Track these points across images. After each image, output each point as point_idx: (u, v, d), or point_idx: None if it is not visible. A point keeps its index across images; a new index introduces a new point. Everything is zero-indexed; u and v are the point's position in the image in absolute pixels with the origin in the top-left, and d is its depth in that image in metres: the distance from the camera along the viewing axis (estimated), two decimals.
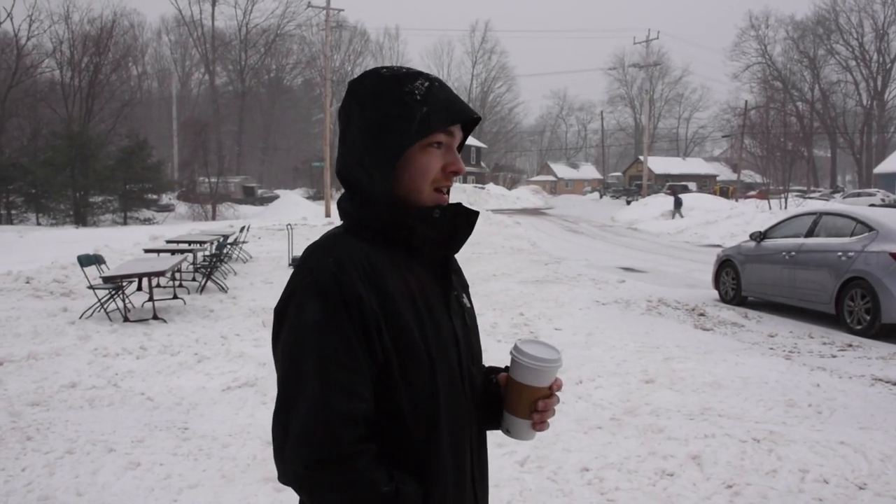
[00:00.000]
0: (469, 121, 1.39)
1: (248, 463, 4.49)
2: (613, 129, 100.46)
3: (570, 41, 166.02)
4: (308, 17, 71.76)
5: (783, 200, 31.81)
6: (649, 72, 62.72)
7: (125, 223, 38.00)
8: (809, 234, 10.39)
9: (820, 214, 10.68)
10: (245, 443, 4.84)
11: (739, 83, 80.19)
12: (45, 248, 17.69)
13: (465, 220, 1.40)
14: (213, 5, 78.36)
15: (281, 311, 1.28)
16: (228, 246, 14.81)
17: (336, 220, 30.79)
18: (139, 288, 11.17)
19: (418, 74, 1.36)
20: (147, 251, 13.58)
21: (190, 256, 12.83)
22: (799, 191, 50.26)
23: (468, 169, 63.57)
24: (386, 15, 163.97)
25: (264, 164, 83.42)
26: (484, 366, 1.56)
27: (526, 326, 8.98)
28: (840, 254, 9.51)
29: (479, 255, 17.43)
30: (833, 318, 9.58)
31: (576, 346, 7.96)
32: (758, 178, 53.85)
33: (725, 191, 53.58)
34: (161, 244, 15.56)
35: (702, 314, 10.27)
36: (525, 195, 60.24)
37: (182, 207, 45.55)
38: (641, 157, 61.62)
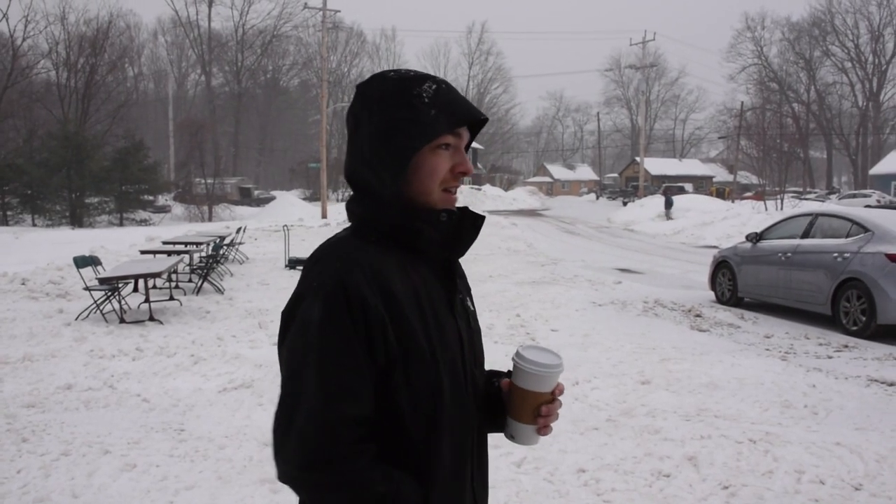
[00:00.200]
0: (476, 122, 1.41)
1: (244, 464, 4.49)
2: (610, 130, 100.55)
3: (566, 42, 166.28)
4: (304, 18, 71.84)
5: (779, 202, 31.85)
6: (646, 73, 62.86)
7: (121, 224, 37.93)
8: (805, 235, 10.41)
9: (816, 216, 10.71)
10: (241, 444, 4.83)
11: (736, 84, 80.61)
12: (40, 249, 17.66)
13: (471, 223, 1.43)
14: (210, 6, 78.38)
15: (288, 315, 1.29)
16: (225, 247, 14.79)
17: (332, 222, 30.80)
18: (135, 289, 11.15)
19: (426, 77, 1.37)
20: (143, 252, 13.56)
21: (186, 258, 12.80)
22: (795, 192, 50.35)
23: None
24: (382, 16, 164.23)
25: (261, 166, 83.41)
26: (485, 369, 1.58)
27: (522, 328, 8.99)
28: (836, 255, 9.53)
29: (475, 256, 17.43)
30: (829, 319, 9.59)
31: (572, 347, 7.96)
32: (754, 180, 54.00)
33: (722, 192, 53.66)
34: (157, 245, 15.52)
35: (698, 315, 10.28)
36: (521, 196, 60.28)
37: (178, 209, 45.47)
38: (638, 159, 61.67)
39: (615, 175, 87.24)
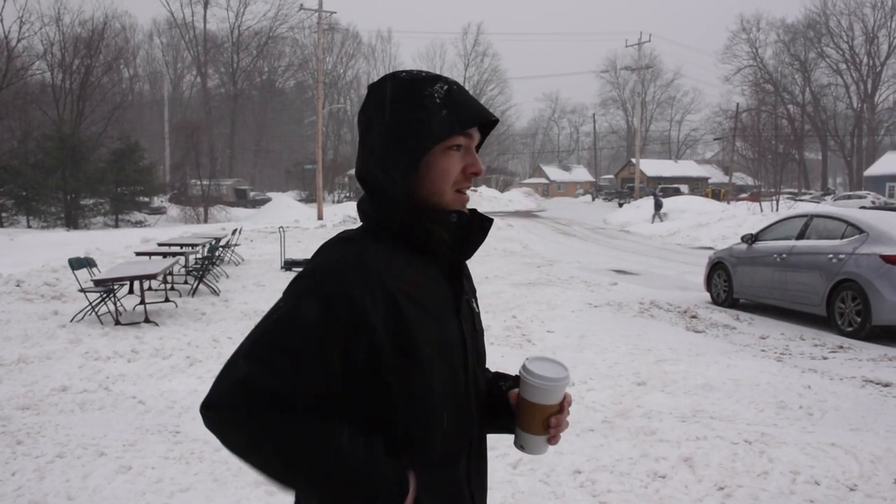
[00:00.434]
0: (487, 123, 1.42)
1: (240, 466, 4.47)
2: (605, 131, 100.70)
3: (562, 44, 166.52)
4: (300, 19, 71.66)
5: (774, 203, 31.93)
6: (641, 75, 62.86)
7: (116, 226, 37.87)
8: (800, 236, 10.44)
9: (811, 217, 10.73)
10: None
11: (731, 86, 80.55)
12: (35, 250, 17.63)
13: (479, 226, 1.44)
14: (205, 8, 78.18)
15: (284, 294, 1.32)
16: (220, 249, 14.77)
17: (328, 223, 30.79)
18: (130, 291, 11.14)
19: (437, 78, 1.39)
20: (138, 254, 13.55)
21: (182, 259, 12.79)
22: (790, 193, 50.56)
23: None
24: (378, 17, 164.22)
25: (256, 167, 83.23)
26: (489, 370, 1.59)
27: (518, 329, 8.99)
28: (831, 256, 9.56)
29: (472, 257, 17.42)
30: (824, 320, 9.62)
31: (568, 348, 7.97)
32: (749, 181, 54.12)
33: (717, 193, 53.75)
34: (153, 247, 15.52)
35: (694, 316, 10.30)
36: (517, 198, 60.35)
37: (174, 210, 45.40)
38: (633, 160, 61.76)
39: (611, 176, 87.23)
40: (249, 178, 77.29)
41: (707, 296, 12.07)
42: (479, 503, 1.45)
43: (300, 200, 51.63)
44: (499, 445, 4.58)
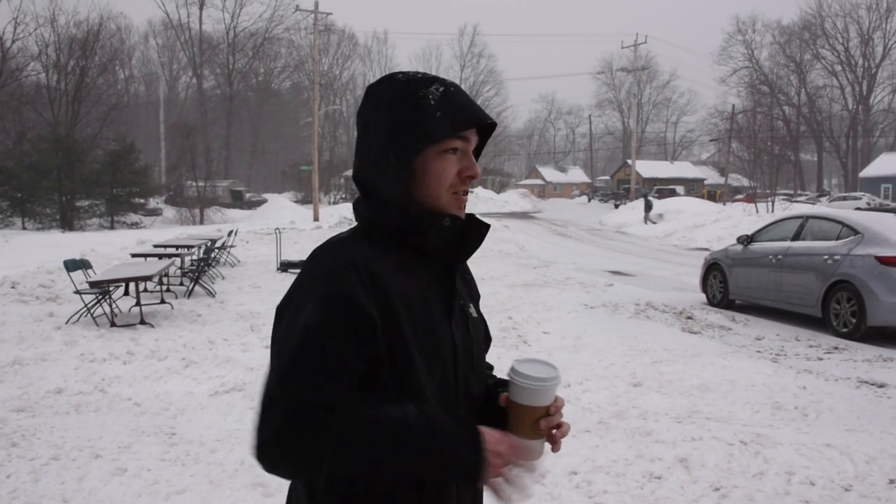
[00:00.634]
0: (486, 125, 1.41)
1: (235, 468, 4.48)
2: (602, 132, 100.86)
3: (558, 45, 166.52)
4: (296, 20, 71.52)
5: (770, 204, 32.00)
6: (637, 76, 62.98)
7: (112, 227, 37.78)
8: (796, 237, 10.46)
9: (806, 218, 10.76)
10: (233, 448, 4.82)
11: (727, 87, 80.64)
12: (31, 252, 17.58)
13: (475, 230, 1.43)
14: (201, 9, 78.08)
15: (282, 309, 1.31)
16: (216, 250, 14.75)
17: (323, 225, 30.77)
18: (126, 293, 11.11)
19: (434, 79, 1.38)
20: (134, 255, 13.53)
21: (177, 261, 12.78)
22: (786, 194, 50.66)
23: None
24: (374, 18, 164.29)
25: (252, 168, 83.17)
26: (493, 375, 1.59)
27: (514, 330, 9.00)
28: (826, 257, 9.58)
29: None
30: (819, 321, 9.64)
31: (564, 349, 7.98)
32: (745, 182, 54.16)
33: (713, 194, 53.90)
34: (148, 248, 15.50)
35: (689, 317, 10.31)
36: (513, 199, 60.38)
37: (169, 212, 45.32)
38: (629, 161, 61.78)
39: (607, 177, 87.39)
40: (245, 179, 77.25)
41: (703, 297, 12.08)
42: None
43: (296, 202, 51.68)
44: None
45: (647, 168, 74.09)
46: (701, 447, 4.81)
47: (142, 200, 43.39)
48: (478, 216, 1.45)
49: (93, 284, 9.00)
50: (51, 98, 44.18)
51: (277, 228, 19.97)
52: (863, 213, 10.79)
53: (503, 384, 1.52)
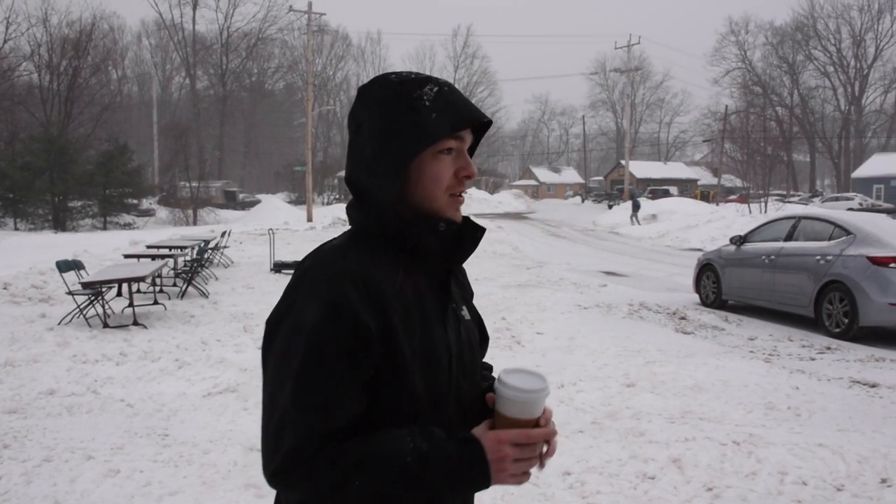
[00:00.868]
0: (481, 124, 1.39)
1: (228, 469, 4.47)
2: (595, 133, 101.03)
3: (551, 46, 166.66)
4: (290, 21, 71.36)
5: (763, 204, 32.10)
6: (630, 76, 63.12)
7: (105, 228, 37.62)
8: (788, 238, 10.50)
9: (799, 219, 10.80)
10: (226, 449, 4.81)
11: (720, 88, 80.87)
12: (23, 253, 17.49)
13: (470, 234, 1.41)
14: (194, 9, 77.85)
15: (275, 323, 1.28)
16: (209, 251, 14.73)
17: (317, 225, 30.73)
18: (119, 293, 11.09)
19: (427, 80, 1.35)
20: (127, 256, 13.50)
21: (171, 261, 12.75)
22: (779, 195, 50.85)
23: None
24: (368, 19, 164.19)
25: (246, 169, 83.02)
26: (491, 376, 1.57)
27: (508, 331, 9.00)
28: (818, 257, 9.61)
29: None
30: (812, 322, 9.67)
31: (557, 350, 7.98)
32: (738, 183, 54.31)
33: (706, 195, 53.96)
34: (141, 249, 15.46)
35: (683, 318, 10.33)
36: (507, 199, 60.47)
37: (163, 212, 45.17)
38: (623, 162, 61.95)
39: (600, 178, 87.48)
40: (239, 180, 77.11)
41: (696, 297, 12.11)
42: None
43: (290, 202, 51.54)
44: None
45: (641, 169, 74.24)
46: (694, 447, 4.83)
47: (135, 201, 43.18)
48: (474, 220, 1.42)
49: (85, 285, 8.97)
50: (43, 98, 43.96)
51: (271, 229, 19.94)
52: (855, 214, 10.84)
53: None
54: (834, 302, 9.26)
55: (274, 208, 40.95)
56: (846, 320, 9.03)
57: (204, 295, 11.54)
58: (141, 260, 12.41)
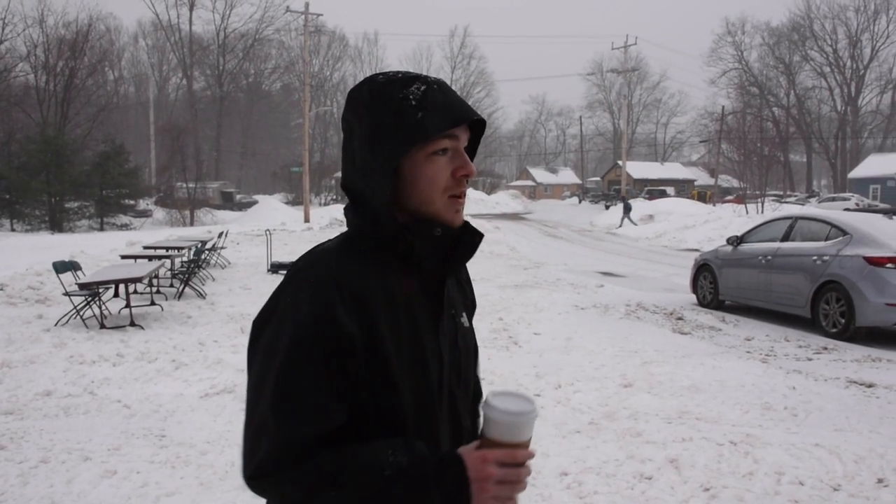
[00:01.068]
0: (477, 122, 1.35)
1: (226, 470, 4.46)
2: (592, 134, 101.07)
3: (548, 46, 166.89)
4: (286, 21, 71.29)
5: (760, 205, 32.16)
6: (627, 77, 63.11)
7: (102, 229, 37.58)
8: (785, 238, 10.51)
9: (795, 219, 10.82)
10: (223, 450, 4.81)
11: (716, 89, 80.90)
12: (19, 254, 17.47)
13: (468, 240, 1.37)
14: (191, 10, 77.74)
15: (260, 325, 1.26)
16: (206, 252, 14.72)
17: (314, 226, 30.70)
18: (116, 294, 11.07)
19: (415, 78, 1.30)
20: (124, 257, 13.49)
21: (167, 262, 12.73)
22: (775, 195, 50.90)
23: None
24: (365, 20, 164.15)
25: (243, 170, 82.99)
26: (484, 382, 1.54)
27: (505, 331, 9.00)
28: (815, 258, 9.63)
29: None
30: (809, 322, 9.69)
31: (554, 350, 7.99)
32: (735, 183, 54.38)
33: (703, 195, 54.08)
34: (138, 250, 15.44)
35: (680, 318, 10.34)
36: (504, 200, 60.51)
37: (160, 213, 45.13)
38: (620, 162, 61.95)
39: (598, 179, 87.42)
40: (236, 180, 77.08)
41: (693, 298, 12.13)
42: None
43: (287, 203, 51.58)
44: None
45: (638, 169, 74.31)
46: (691, 448, 4.83)
47: (131, 202, 43.16)
48: (472, 224, 1.38)
49: (82, 286, 8.96)
50: (40, 99, 43.90)
51: (268, 230, 19.93)
52: (851, 214, 10.87)
53: None
54: (830, 302, 9.28)
55: (271, 209, 40.98)
56: (843, 320, 9.05)
57: (201, 296, 11.53)
58: (138, 261, 12.39)
